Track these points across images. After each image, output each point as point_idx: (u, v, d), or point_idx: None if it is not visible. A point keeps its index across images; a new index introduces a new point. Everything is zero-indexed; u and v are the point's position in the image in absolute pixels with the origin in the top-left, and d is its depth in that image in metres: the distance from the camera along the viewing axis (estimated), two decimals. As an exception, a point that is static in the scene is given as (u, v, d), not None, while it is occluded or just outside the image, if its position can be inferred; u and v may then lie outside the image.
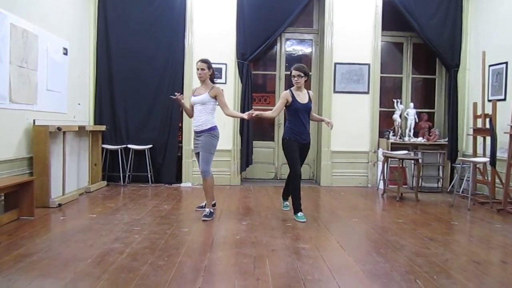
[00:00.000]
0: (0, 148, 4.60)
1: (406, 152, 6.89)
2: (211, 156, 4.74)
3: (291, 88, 4.79)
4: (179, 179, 7.09)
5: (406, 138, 7.28)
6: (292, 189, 4.77)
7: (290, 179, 4.80)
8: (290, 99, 4.70)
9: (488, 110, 6.02)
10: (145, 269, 3.06)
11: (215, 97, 4.72)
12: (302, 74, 4.70)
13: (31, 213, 4.52)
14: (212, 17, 7.11)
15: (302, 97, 4.77)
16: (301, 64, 4.87)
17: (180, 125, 7.15)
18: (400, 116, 7.31)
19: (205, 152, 4.70)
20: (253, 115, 4.75)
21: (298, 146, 4.74)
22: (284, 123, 7.38)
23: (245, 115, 4.85)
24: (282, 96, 4.79)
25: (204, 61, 4.77)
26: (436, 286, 2.86)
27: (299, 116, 4.73)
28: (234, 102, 7.05)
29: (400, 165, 6.57)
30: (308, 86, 4.87)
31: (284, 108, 4.80)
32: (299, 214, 4.69)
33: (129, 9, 6.99)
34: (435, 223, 4.77)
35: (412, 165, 7.10)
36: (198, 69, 4.73)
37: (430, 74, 7.85)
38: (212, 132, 4.73)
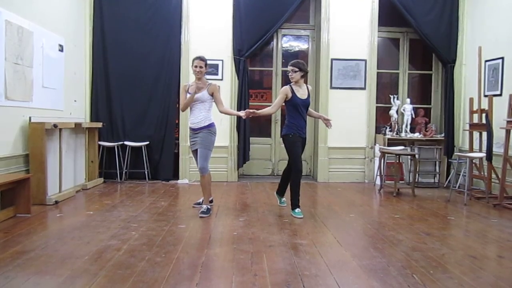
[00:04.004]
0: (-4, 145, 4.59)
1: (402, 147, 6.91)
2: (209, 153, 4.74)
3: (291, 84, 4.79)
4: (176, 176, 7.09)
5: (403, 134, 7.29)
6: (292, 185, 4.76)
7: (291, 175, 4.78)
8: (290, 95, 4.69)
9: (484, 105, 6.03)
10: (143, 265, 3.06)
11: (212, 94, 4.71)
12: (296, 69, 4.70)
13: (28, 210, 4.51)
14: (208, 13, 7.08)
15: (302, 92, 4.77)
16: (297, 60, 4.89)
17: (176, 121, 7.14)
18: (397, 111, 7.33)
19: (204, 149, 4.69)
20: (251, 115, 4.78)
21: (300, 142, 4.76)
22: (282, 120, 7.45)
23: (242, 114, 4.85)
24: (282, 91, 4.78)
25: (202, 58, 4.74)
26: (433, 280, 2.87)
27: (299, 112, 4.74)
28: (231, 98, 7.04)
29: (397, 161, 6.59)
30: (305, 81, 4.88)
31: (283, 103, 4.80)
32: (297, 210, 4.70)
33: (125, 5, 6.96)
34: (432, 218, 4.79)
35: (409, 160, 7.11)
36: (196, 66, 4.69)
37: (427, 69, 7.86)
38: (210, 128, 4.73)
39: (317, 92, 7.41)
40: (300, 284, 2.78)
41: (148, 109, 7.03)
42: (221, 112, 4.86)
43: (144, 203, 5.25)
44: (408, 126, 7.34)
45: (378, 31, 7.32)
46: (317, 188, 6.74)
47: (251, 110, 4.80)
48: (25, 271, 2.93)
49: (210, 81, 4.85)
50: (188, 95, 4.73)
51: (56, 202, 5.10)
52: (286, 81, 7.10)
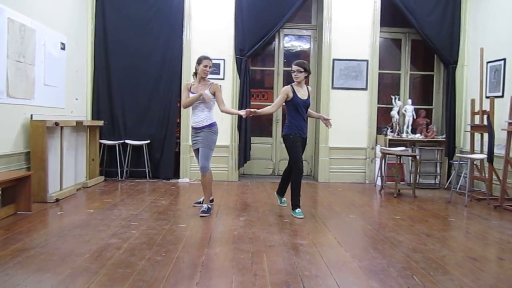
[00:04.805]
0: (-3, 143, 4.59)
1: (403, 148, 6.90)
2: (211, 152, 4.73)
3: (292, 84, 4.79)
4: (177, 175, 7.09)
5: (404, 135, 7.28)
6: (293, 185, 4.76)
7: (292, 175, 4.78)
8: (291, 95, 4.69)
9: (486, 106, 6.02)
10: (143, 264, 3.06)
11: (214, 93, 4.71)
12: (302, 69, 4.70)
13: (29, 208, 4.52)
14: (210, 12, 7.08)
15: (303, 93, 4.76)
16: (302, 60, 4.90)
17: (178, 120, 7.14)
18: (398, 112, 7.32)
19: (205, 148, 4.69)
20: (251, 114, 4.78)
21: (300, 142, 4.76)
22: (282, 119, 7.44)
23: (242, 113, 4.84)
24: (283, 91, 4.78)
25: (210, 59, 4.74)
26: (433, 282, 2.87)
27: (299, 112, 4.73)
28: (232, 98, 7.05)
29: (398, 162, 6.58)
30: (306, 82, 4.88)
31: (284, 103, 4.79)
32: (297, 210, 4.70)
33: (127, 4, 6.96)
34: (432, 219, 4.79)
35: (410, 161, 7.11)
36: (206, 66, 4.67)
37: (428, 70, 7.85)
38: (212, 128, 4.72)
39: (318, 92, 7.40)
40: (300, 284, 2.78)
41: (149, 108, 7.03)
42: (222, 111, 4.85)
43: (144, 202, 5.26)
44: (409, 127, 7.33)
45: (380, 31, 7.31)
46: (317, 188, 6.74)
47: (251, 110, 4.80)
48: (26, 268, 2.93)
49: (211, 81, 4.85)
50: (191, 94, 4.73)
51: (57, 200, 5.11)
52: (287, 81, 7.09)
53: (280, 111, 7.36)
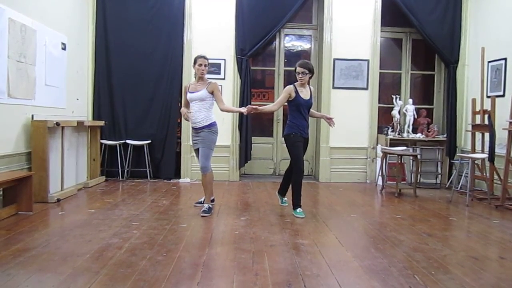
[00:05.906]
0: (-2, 143, 4.60)
1: (404, 148, 6.89)
2: (211, 152, 4.74)
3: (295, 84, 4.77)
4: (177, 175, 7.09)
5: (405, 134, 7.27)
6: (294, 185, 4.76)
7: (293, 175, 4.77)
8: (293, 95, 4.69)
9: (487, 106, 6.01)
10: (144, 264, 3.06)
11: (212, 92, 4.71)
12: (307, 71, 4.68)
13: (30, 208, 4.52)
14: (211, 12, 7.08)
15: (305, 93, 4.75)
16: (306, 61, 4.85)
17: (178, 120, 7.14)
18: (399, 112, 7.31)
19: (205, 148, 4.69)
20: (253, 111, 4.77)
21: (302, 142, 4.76)
22: (283, 119, 7.44)
23: (243, 110, 4.84)
24: (286, 90, 4.77)
25: (206, 57, 4.74)
26: (434, 281, 2.87)
27: (301, 112, 4.73)
28: (233, 97, 7.05)
29: (399, 161, 6.57)
30: (308, 82, 4.86)
31: (286, 103, 4.79)
32: (298, 210, 4.70)
33: (128, 3, 6.97)
34: (434, 219, 4.78)
35: (411, 161, 7.10)
36: (200, 65, 4.68)
37: (429, 70, 7.84)
38: (212, 128, 4.72)
39: (319, 92, 7.39)
40: (301, 284, 2.78)
41: (150, 108, 7.04)
42: (222, 110, 4.84)
43: (145, 202, 5.26)
44: (410, 127, 7.32)
45: (381, 31, 7.31)
46: (318, 188, 6.73)
47: (253, 106, 4.79)
48: (27, 268, 2.93)
49: (210, 80, 4.85)
50: (189, 94, 4.74)
51: (58, 200, 5.11)
52: (288, 80, 7.12)
53: (281, 111, 7.36)
